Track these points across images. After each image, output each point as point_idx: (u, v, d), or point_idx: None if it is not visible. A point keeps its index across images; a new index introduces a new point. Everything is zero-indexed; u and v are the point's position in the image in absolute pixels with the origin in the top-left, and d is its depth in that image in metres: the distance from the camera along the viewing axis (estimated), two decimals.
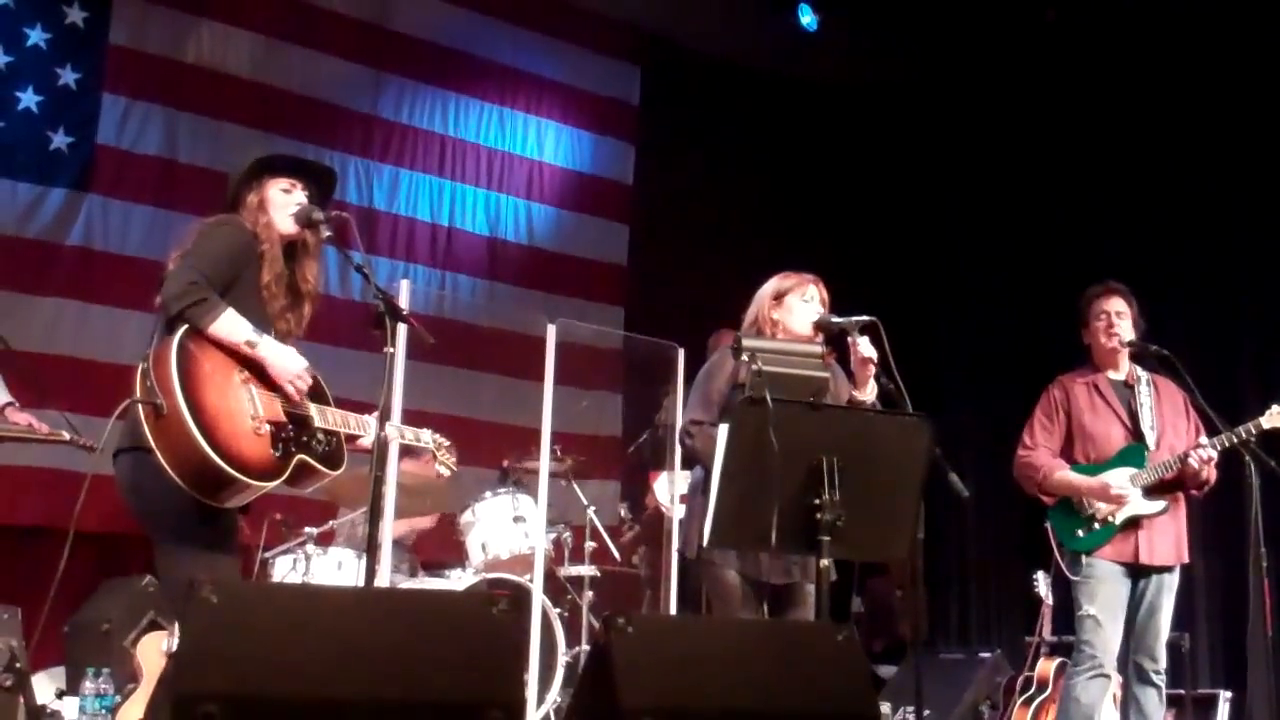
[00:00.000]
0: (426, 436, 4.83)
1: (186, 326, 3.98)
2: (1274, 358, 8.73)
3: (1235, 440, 5.47)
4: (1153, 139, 9.38)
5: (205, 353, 3.99)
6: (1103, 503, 5.59)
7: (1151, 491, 5.59)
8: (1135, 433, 5.67)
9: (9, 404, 6.15)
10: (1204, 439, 5.57)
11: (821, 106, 10.87)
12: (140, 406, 3.90)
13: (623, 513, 8.35)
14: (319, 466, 4.21)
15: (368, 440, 4.32)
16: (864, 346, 4.71)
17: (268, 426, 4.05)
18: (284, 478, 4.10)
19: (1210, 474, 5.60)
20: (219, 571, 3.95)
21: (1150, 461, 5.59)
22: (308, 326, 4.44)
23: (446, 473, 4.97)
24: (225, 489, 3.94)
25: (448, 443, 4.90)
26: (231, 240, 4.19)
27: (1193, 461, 5.50)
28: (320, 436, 4.23)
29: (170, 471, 3.86)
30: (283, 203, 4.31)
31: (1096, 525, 5.60)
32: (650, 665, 3.08)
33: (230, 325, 4.02)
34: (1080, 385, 5.80)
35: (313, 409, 4.22)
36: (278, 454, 4.06)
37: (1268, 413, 5.51)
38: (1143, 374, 5.81)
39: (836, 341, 4.88)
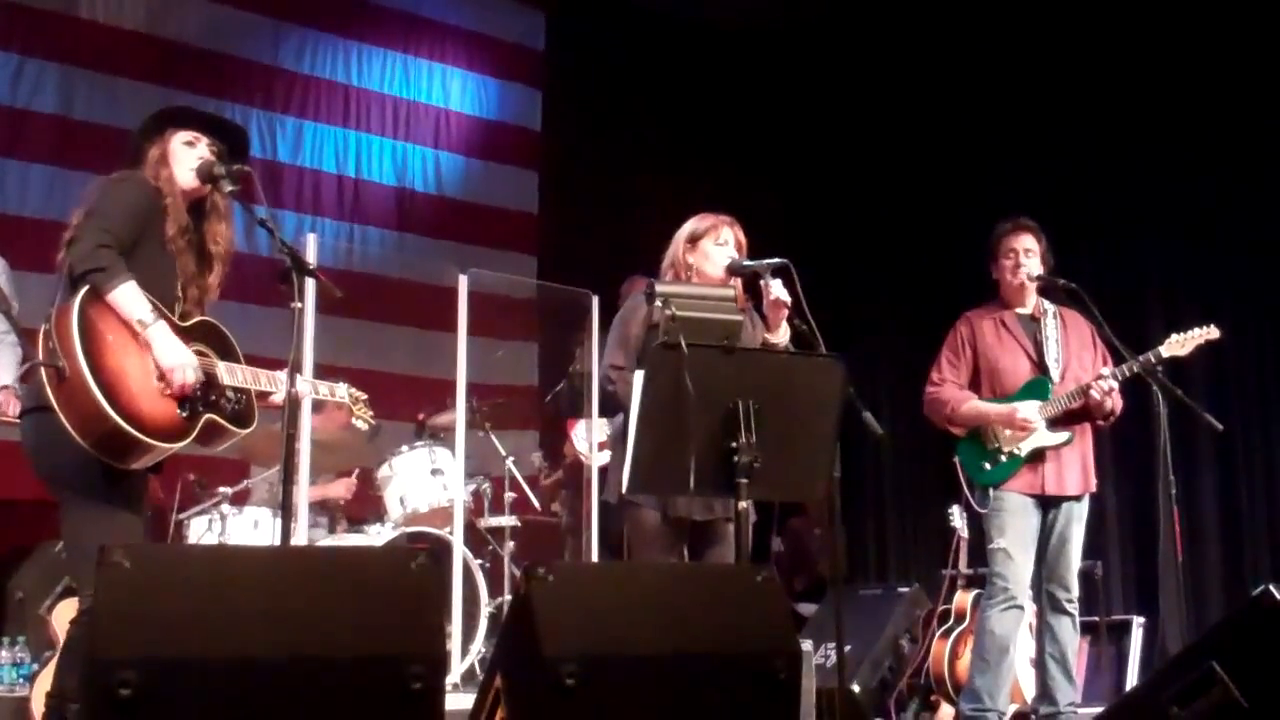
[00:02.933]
0: (342, 391, 4.77)
1: (89, 287, 3.90)
2: (1180, 288, 8.87)
3: (1136, 369, 5.54)
4: (1061, 73, 9.45)
5: (109, 314, 3.91)
6: (1010, 430, 5.66)
7: (1056, 423, 5.67)
8: (1040, 366, 5.74)
9: (5, 387, 6.02)
10: (1105, 369, 5.64)
11: (727, 49, 10.83)
12: (42, 369, 3.83)
13: (538, 462, 8.34)
14: (228, 425, 4.16)
15: (279, 396, 4.26)
16: (776, 289, 4.71)
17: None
18: (191, 437, 4.04)
19: (1115, 404, 5.68)
20: (122, 533, 3.88)
21: (1055, 394, 5.67)
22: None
23: (365, 427, 4.93)
24: (130, 451, 3.88)
25: (364, 396, 4.86)
26: (134, 196, 4.09)
27: (1094, 393, 5.58)
28: (229, 395, 4.17)
29: (74, 434, 3.79)
30: (185, 156, 4.22)
31: (1003, 458, 5.68)
32: (571, 613, 3.08)
33: (127, 299, 3.92)
34: (987, 321, 5.86)
35: (220, 367, 4.14)
36: (184, 414, 4.00)
37: (1166, 341, 5.60)
38: (1049, 307, 5.87)
39: (750, 285, 4.88)
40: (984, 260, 5.93)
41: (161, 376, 3.96)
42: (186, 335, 4.09)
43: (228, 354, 4.22)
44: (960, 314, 5.96)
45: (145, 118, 4.30)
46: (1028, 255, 5.77)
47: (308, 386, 4.69)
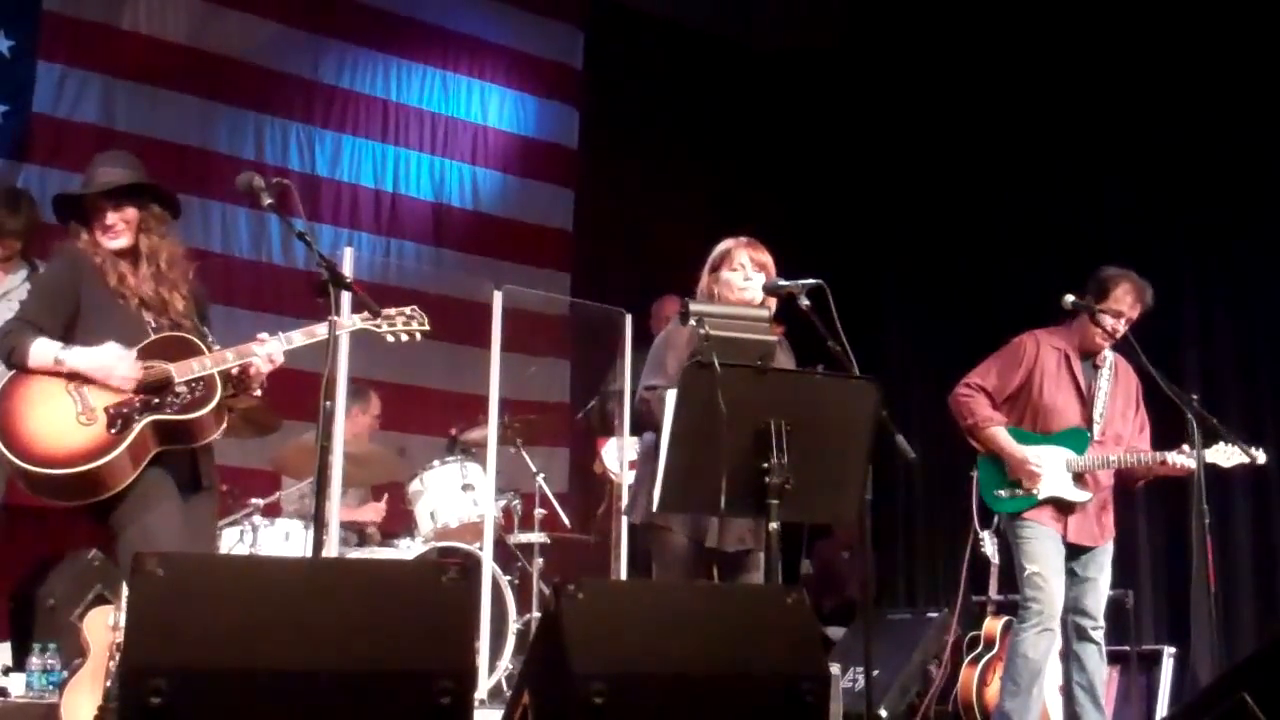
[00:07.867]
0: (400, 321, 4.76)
1: (12, 371, 4.20)
2: (1216, 314, 8.81)
3: (1183, 458, 5.55)
4: (1097, 97, 9.40)
5: (34, 378, 4.19)
6: (1018, 475, 5.66)
7: (1082, 480, 5.65)
8: (1087, 417, 5.72)
9: None
10: (1181, 458, 5.58)
11: (766, 69, 10.84)
12: None
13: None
14: (177, 417, 4.26)
15: (258, 361, 4.35)
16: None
17: (101, 414, 4.16)
18: (126, 445, 4.14)
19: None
20: (155, 521, 4.11)
21: (1090, 449, 5.64)
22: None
23: (417, 337, 4.89)
24: (66, 487, 4.13)
25: (409, 310, 4.83)
26: (49, 277, 4.50)
27: (1170, 462, 5.59)
28: (178, 391, 4.27)
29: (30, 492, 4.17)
30: (111, 221, 4.36)
31: (1019, 493, 5.67)
32: (601, 631, 3.08)
33: (38, 353, 4.19)
34: (1054, 352, 5.80)
35: (172, 368, 4.25)
36: (114, 430, 4.16)
37: (1213, 448, 5.56)
38: (1109, 355, 5.83)
39: (786, 305, 4.87)
40: (1017, 284, 5.90)
41: (82, 410, 4.15)
42: (142, 355, 4.25)
43: (189, 351, 4.32)
44: (997, 335, 5.93)
45: (53, 203, 4.49)
46: (1127, 323, 5.71)
47: (355, 322, 4.71)
